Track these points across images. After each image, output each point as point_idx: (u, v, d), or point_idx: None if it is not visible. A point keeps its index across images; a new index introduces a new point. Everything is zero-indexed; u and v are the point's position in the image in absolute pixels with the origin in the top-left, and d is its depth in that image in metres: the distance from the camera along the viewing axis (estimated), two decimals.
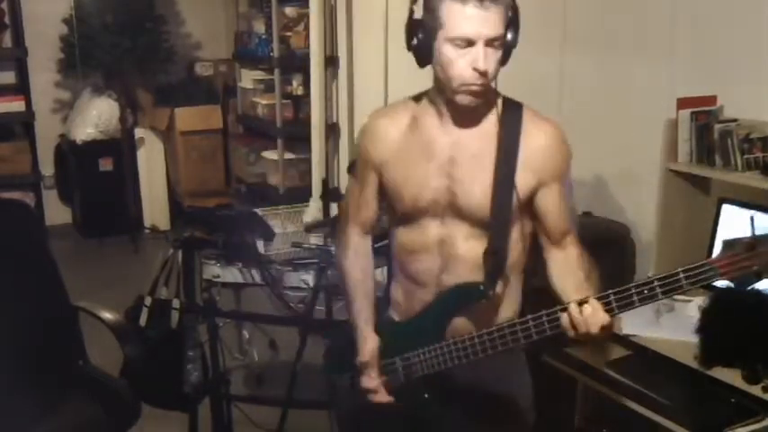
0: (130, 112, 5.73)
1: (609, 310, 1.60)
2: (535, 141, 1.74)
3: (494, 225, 1.75)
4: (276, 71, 5.11)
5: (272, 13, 5.09)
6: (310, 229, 3.11)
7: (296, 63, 5.06)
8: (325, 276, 2.72)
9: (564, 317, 1.63)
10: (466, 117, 1.75)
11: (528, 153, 1.73)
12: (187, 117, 5.82)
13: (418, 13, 1.70)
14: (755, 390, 2.08)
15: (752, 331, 2.14)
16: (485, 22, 1.60)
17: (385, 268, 2.19)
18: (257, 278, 2.82)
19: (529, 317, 1.68)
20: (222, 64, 6.10)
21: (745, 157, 2.45)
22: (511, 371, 1.91)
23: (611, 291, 1.60)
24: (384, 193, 1.88)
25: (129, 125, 5.69)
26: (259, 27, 5.47)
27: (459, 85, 1.67)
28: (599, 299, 1.61)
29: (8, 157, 5.45)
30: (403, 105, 1.85)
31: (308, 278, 2.78)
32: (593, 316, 1.60)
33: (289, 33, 5.08)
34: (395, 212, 1.86)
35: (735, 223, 2.50)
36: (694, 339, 2.24)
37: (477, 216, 1.75)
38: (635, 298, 1.57)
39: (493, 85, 1.70)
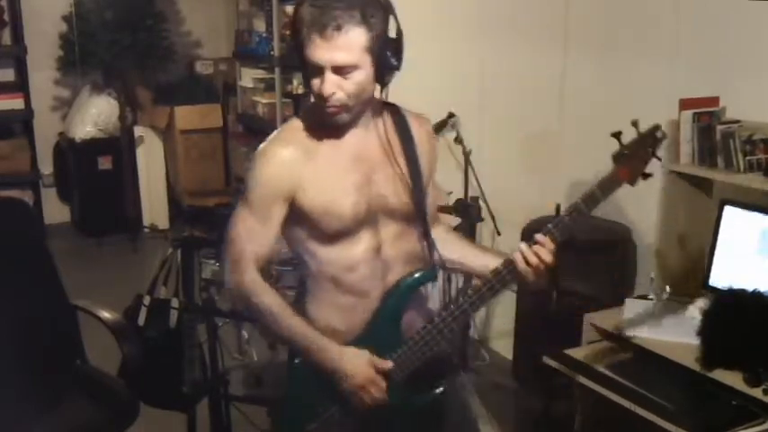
0: (130, 111, 5.71)
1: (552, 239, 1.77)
2: (422, 135, 1.91)
3: (420, 215, 1.87)
4: (276, 70, 5.10)
5: (273, 12, 5.08)
6: None
7: (296, 62, 5.02)
8: None
9: (518, 257, 1.76)
10: (356, 127, 1.82)
11: (421, 147, 1.88)
12: (187, 115, 5.81)
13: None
14: (756, 392, 2.08)
15: (753, 334, 2.14)
16: (329, 51, 1.71)
17: None
18: None
19: (489, 277, 1.81)
20: (222, 62, 6.09)
21: (748, 158, 2.45)
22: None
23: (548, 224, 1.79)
24: (302, 221, 1.81)
25: (128, 123, 5.67)
26: (259, 25, 5.46)
27: (323, 106, 1.76)
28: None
29: (7, 156, 5.43)
30: (291, 131, 1.84)
31: None
32: (542, 246, 1.76)
33: (289, 32, 5.07)
34: (321, 235, 1.82)
35: (737, 225, 2.50)
36: (695, 341, 2.24)
37: (407, 212, 1.86)
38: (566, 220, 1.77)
39: (384, 96, 1.80)
